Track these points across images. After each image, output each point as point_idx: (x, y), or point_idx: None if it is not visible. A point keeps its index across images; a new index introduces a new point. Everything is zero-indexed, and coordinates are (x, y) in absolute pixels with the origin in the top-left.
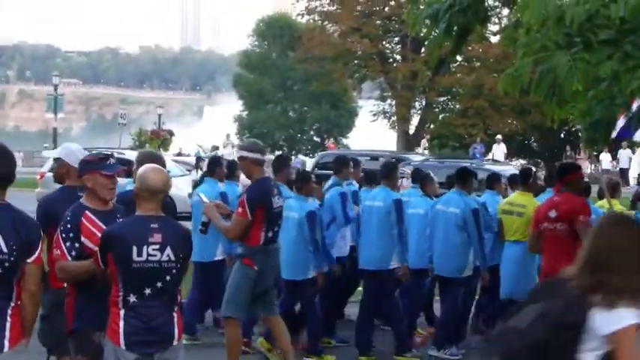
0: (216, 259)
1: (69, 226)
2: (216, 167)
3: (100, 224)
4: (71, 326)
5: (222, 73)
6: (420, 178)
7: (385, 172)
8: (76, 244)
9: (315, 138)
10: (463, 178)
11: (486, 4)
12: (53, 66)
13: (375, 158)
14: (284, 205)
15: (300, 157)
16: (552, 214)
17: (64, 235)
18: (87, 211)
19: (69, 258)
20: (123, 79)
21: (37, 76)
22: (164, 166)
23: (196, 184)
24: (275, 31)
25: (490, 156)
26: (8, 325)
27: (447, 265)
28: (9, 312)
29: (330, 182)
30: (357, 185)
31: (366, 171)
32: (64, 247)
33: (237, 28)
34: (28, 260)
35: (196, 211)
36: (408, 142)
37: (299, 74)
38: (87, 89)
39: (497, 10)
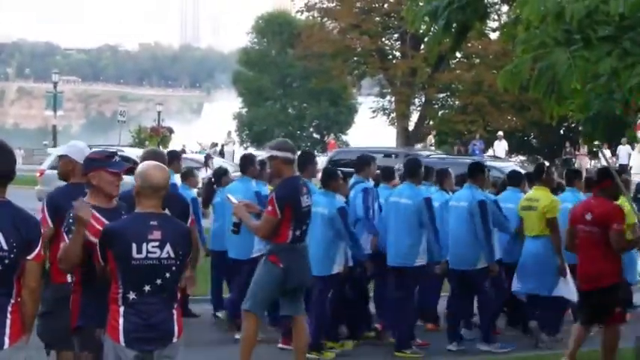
0: (253, 256)
1: (71, 220)
2: (249, 165)
3: (104, 221)
4: (76, 323)
5: (221, 70)
6: (438, 173)
7: (411, 170)
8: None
9: (315, 135)
10: (475, 173)
11: (485, 0)
12: (52, 63)
13: (388, 155)
14: (313, 201)
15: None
16: (588, 217)
17: (66, 229)
18: (92, 209)
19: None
20: (122, 76)
21: (37, 74)
22: (167, 163)
23: (210, 183)
24: (274, 28)
25: (491, 152)
26: (8, 321)
27: (460, 259)
28: (9, 309)
29: (352, 180)
30: (372, 182)
31: (382, 168)
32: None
33: (236, 25)
34: (28, 257)
35: (220, 210)
36: (408, 139)
37: (298, 71)
38: (86, 87)
39: (497, 6)
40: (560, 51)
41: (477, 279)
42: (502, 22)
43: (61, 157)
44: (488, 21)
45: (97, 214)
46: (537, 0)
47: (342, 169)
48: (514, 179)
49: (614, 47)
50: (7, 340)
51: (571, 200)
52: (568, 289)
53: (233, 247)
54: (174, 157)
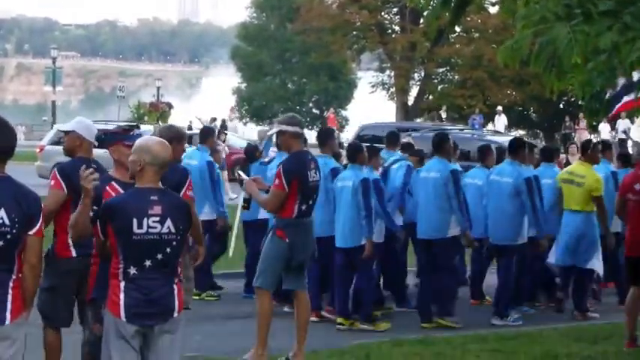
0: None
1: (93, 195)
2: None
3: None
4: (91, 294)
5: (220, 45)
6: (479, 149)
7: (438, 144)
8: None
9: (314, 110)
10: (515, 149)
11: None
12: (51, 39)
13: (415, 130)
14: (340, 176)
15: None
16: (637, 186)
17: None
18: (113, 182)
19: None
20: (121, 51)
21: (36, 50)
22: (185, 140)
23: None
24: (273, 2)
25: (491, 127)
26: (10, 297)
27: (501, 234)
28: (10, 284)
29: (394, 157)
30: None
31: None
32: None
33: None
34: (30, 232)
35: None
36: (407, 113)
37: (297, 46)
38: (85, 62)
39: None
40: (560, 26)
41: (518, 253)
42: None
43: (67, 132)
44: None
45: (117, 187)
46: None
47: (367, 144)
48: (547, 154)
49: (615, 22)
50: (8, 315)
51: (603, 171)
52: (599, 262)
53: None
54: (208, 134)
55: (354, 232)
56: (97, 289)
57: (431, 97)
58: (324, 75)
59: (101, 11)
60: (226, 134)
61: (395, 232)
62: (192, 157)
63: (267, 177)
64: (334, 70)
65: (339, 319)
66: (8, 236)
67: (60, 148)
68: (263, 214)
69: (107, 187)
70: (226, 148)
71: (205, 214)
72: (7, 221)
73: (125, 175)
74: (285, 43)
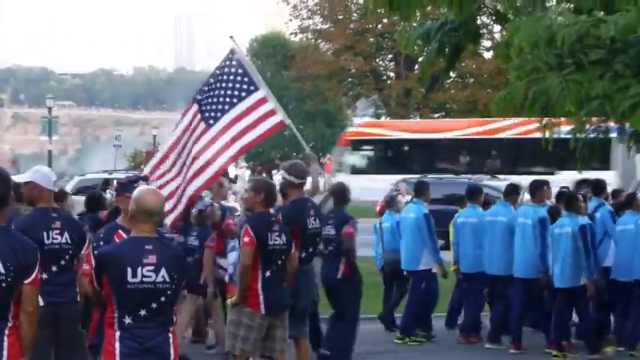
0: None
1: (102, 243)
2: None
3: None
4: (92, 340)
5: None
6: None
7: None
8: None
9: None
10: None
11: (478, 21)
12: (47, 89)
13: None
14: (559, 223)
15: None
16: None
17: (95, 252)
18: (120, 230)
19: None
20: (117, 100)
21: (31, 99)
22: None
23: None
24: (269, 50)
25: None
26: (5, 344)
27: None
28: (6, 332)
29: (595, 203)
30: None
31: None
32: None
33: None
34: (26, 282)
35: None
36: None
37: (293, 93)
38: (81, 111)
39: (490, 26)
40: (552, 75)
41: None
42: (495, 41)
43: (26, 183)
44: (481, 40)
45: (124, 235)
46: (529, 25)
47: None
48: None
49: (606, 70)
50: None
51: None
52: None
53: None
54: (423, 188)
55: (574, 274)
56: (98, 335)
57: None
58: (320, 121)
59: (97, 60)
60: (235, 182)
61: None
62: (410, 210)
63: None
64: (330, 116)
65: (555, 352)
66: (3, 284)
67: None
68: None
69: (115, 236)
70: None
71: (424, 263)
72: (2, 270)
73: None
74: (282, 90)
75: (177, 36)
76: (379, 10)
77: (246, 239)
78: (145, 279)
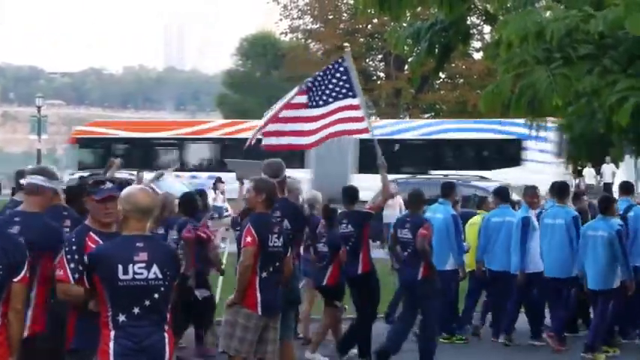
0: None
1: (74, 247)
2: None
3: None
4: (71, 345)
5: (206, 92)
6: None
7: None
8: (80, 266)
9: None
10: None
11: (468, 22)
12: (37, 87)
13: None
14: (592, 225)
15: None
16: None
17: (68, 257)
18: (91, 232)
19: (72, 279)
20: (107, 99)
21: (21, 98)
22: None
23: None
24: (259, 50)
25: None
26: None
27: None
28: None
29: (625, 203)
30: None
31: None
32: (67, 269)
33: (221, 47)
34: (15, 279)
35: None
36: None
37: (283, 93)
38: (70, 110)
39: (479, 27)
40: (540, 69)
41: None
42: (485, 42)
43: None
44: (471, 41)
45: (95, 237)
46: (518, 20)
47: None
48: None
49: (595, 65)
50: None
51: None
52: None
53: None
54: (450, 188)
55: (609, 277)
56: (79, 339)
57: None
58: None
59: (86, 59)
60: (223, 183)
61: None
62: (437, 210)
63: None
64: None
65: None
66: None
67: None
68: None
69: (86, 239)
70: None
71: (450, 264)
72: None
73: (101, 225)
74: (271, 90)
75: (168, 35)
76: (369, 11)
77: (249, 239)
78: (136, 276)
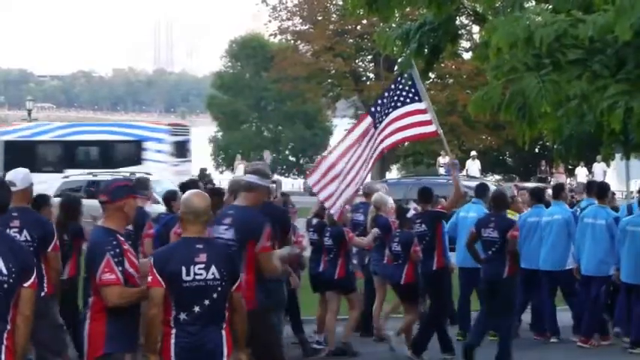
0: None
1: (118, 250)
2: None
3: (130, 248)
4: (103, 350)
5: (196, 94)
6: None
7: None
8: (122, 269)
9: (291, 158)
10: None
11: (457, 22)
12: (26, 90)
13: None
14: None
15: (276, 176)
16: None
17: (115, 260)
18: (117, 234)
19: (123, 282)
20: (97, 102)
21: (11, 101)
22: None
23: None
24: (248, 51)
25: (464, 172)
26: (3, 348)
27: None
28: (4, 335)
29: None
30: None
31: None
32: (118, 272)
33: (210, 49)
34: (25, 285)
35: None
36: (383, 160)
37: (273, 94)
38: (61, 113)
39: (468, 27)
40: (530, 75)
41: None
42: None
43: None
44: (461, 41)
45: (122, 238)
46: (507, 25)
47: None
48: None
49: (584, 70)
50: None
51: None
52: None
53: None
54: (484, 190)
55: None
56: (111, 343)
57: (406, 143)
58: (299, 123)
59: (76, 62)
60: (214, 184)
61: None
62: (470, 210)
63: None
64: (310, 117)
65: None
66: (5, 285)
67: None
68: None
69: (121, 241)
70: None
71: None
72: (4, 270)
73: (121, 225)
74: (261, 92)
75: (157, 37)
76: (358, 11)
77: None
78: (197, 277)
